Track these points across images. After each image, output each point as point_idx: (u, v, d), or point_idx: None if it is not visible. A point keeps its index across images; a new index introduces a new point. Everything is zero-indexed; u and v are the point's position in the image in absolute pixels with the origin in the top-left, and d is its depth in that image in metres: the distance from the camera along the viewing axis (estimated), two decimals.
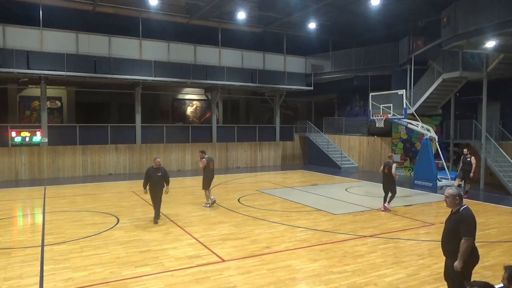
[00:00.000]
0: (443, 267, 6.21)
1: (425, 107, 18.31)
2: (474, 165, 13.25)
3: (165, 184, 9.73)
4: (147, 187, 9.61)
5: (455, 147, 18.48)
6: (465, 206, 4.64)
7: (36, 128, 17.87)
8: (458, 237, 4.48)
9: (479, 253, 7.53)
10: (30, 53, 16.50)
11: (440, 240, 4.83)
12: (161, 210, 10.91)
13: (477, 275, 6.08)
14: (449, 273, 4.71)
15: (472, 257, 4.60)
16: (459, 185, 14.38)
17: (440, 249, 4.83)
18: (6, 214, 10.68)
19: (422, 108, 18.10)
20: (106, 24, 19.63)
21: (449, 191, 4.68)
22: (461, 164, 13.76)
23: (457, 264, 4.47)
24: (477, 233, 8.85)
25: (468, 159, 13.35)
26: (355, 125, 23.42)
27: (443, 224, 4.84)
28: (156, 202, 9.69)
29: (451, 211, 4.69)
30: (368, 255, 7.27)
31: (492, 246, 7.88)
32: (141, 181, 9.83)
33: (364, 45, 22.55)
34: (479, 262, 6.82)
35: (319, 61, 23.61)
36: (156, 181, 9.53)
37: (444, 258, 4.82)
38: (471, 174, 13.29)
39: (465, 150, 13.90)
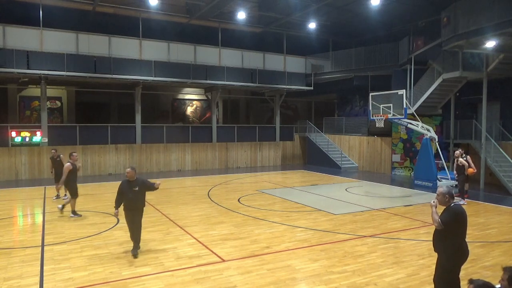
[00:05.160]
0: None
1: (425, 107, 18.31)
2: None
3: (151, 191, 7.59)
4: (120, 207, 7.42)
5: (455, 147, 18.49)
6: (456, 203, 4.72)
7: (36, 128, 17.87)
8: (445, 234, 4.58)
9: (479, 253, 7.55)
10: (30, 53, 16.50)
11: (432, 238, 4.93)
12: (161, 210, 10.94)
13: (477, 275, 6.08)
14: (437, 269, 4.79)
15: (460, 254, 4.63)
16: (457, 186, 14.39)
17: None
18: (6, 214, 10.68)
19: (422, 108, 18.10)
20: (106, 24, 19.64)
21: (440, 189, 4.79)
22: (456, 165, 13.77)
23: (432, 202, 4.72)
24: (477, 233, 8.94)
25: (464, 158, 13.33)
26: (355, 125, 23.42)
27: None
28: (135, 227, 7.30)
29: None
30: (368, 255, 7.27)
31: (492, 246, 7.88)
32: None
33: (364, 45, 22.55)
34: (479, 262, 6.85)
35: (319, 61, 23.62)
36: (132, 198, 7.21)
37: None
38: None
39: (459, 150, 13.92)
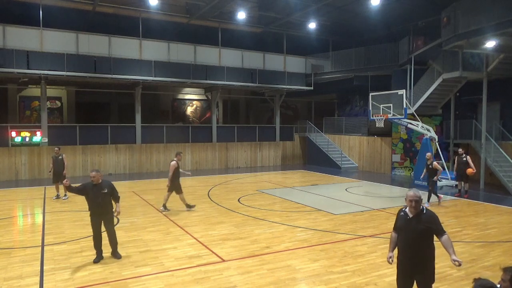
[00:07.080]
0: (443, 267, 6.23)
1: (425, 107, 18.30)
2: (471, 163, 13.11)
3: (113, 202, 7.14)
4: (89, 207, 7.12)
5: (455, 147, 18.50)
6: (427, 208, 4.53)
7: (36, 128, 17.87)
8: (429, 237, 4.39)
9: (479, 253, 7.56)
10: (30, 53, 16.49)
11: (406, 248, 4.53)
12: (161, 210, 10.93)
13: (476, 275, 6.08)
14: (426, 277, 4.48)
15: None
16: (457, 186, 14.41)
17: (441, 249, 4.52)
18: (6, 214, 10.68)
19: (422, 108, 18.09)
20: (106, 24, 19.64)
21: (416, 194, 4.35)
22: (456, 165, 13.77)
23: (458, 258, 4.21)
24: (477, 233, 8.95)
25: (464, 158, 13.31)
26: (355, 125, 23.43)
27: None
28: (109, 233, 7.07)
29: (409, 215, 4.44)
30: (368, 255, 7.27)
31: (492, 246, 7.88)
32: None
33: (364, 45, 22.54)
34: (479, 262, 6.85)
35: (319, 61, 23.61)
36: (100, 203, 6.93)
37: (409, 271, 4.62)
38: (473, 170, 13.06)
39: (460, 150, 13.87)
